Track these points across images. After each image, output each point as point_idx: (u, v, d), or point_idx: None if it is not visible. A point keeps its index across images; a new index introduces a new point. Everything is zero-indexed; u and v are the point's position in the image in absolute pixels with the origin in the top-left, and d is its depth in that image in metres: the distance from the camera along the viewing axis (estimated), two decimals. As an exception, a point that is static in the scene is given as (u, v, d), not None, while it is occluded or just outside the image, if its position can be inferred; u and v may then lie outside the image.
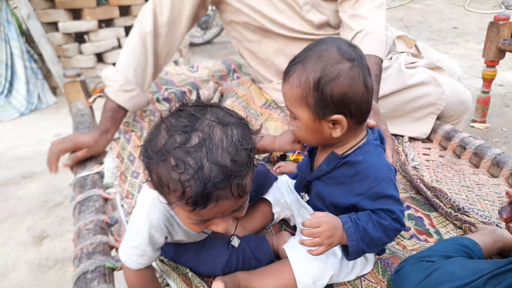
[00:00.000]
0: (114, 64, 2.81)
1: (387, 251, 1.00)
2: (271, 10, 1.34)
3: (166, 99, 1.70)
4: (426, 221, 1.11)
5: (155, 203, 0.75)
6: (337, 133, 0.79)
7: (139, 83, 1.32)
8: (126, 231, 0.81)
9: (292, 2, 1.33)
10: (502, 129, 2.89)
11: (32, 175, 2.62)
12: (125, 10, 3.52)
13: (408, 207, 1.17)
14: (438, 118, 1.49)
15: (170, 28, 1.32)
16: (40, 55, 3.39)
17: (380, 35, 1.23)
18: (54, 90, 3.58)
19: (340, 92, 0.75)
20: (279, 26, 1.37)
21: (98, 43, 3.46)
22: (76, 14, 3.41)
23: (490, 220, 1.05)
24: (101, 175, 1.32)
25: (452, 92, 1.44)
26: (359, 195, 0.79)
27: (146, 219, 0.75)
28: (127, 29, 3.59)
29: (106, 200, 1.19)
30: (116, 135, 1.47)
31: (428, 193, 1.16)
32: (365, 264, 0.90)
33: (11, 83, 3.36)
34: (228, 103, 1.57)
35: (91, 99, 1.74)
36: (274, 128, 1.48)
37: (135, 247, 0.77)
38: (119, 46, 3.57)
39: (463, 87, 1.52)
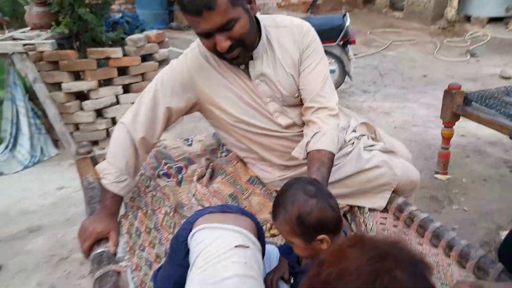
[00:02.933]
0: (113, 118, 3.22)
1: None
2: (245, 115, 1.64)
3: (166, 174, 1.97)
4: None
5: None
6: (325, 246, 1.06)
7: (130, 173, 1.60)
8: None
9: (263, 110, 1.65)
10: (462, 180, 3.15)
11: (38, 229, 2.77)
12: (123, 70, 3.83)
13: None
14: (393, 192, 1.81)
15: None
16: (43, 110, 3.67)
17: (333, 136, 1.55)
18: (55, 142, 3.85)
19: (316, 221, 1.04)
20: (252, 126, 1.67)
21: (98, 100, 3.74)
22: (77, 74, 3.72)
23: None
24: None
25: (402, 173, 1.76)
26: None
27: None
28: (125, 87, 3.90)
29: (118, 273, 1.45)
30: (124, 211, 1.74)
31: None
32: None
33: (15, 138, 3.62)
34: (218, 180, 1.86)
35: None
36: (257, 203, 1.75)
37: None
38: (117, 102, 3.86)
39: (412, 167, 1.85)
